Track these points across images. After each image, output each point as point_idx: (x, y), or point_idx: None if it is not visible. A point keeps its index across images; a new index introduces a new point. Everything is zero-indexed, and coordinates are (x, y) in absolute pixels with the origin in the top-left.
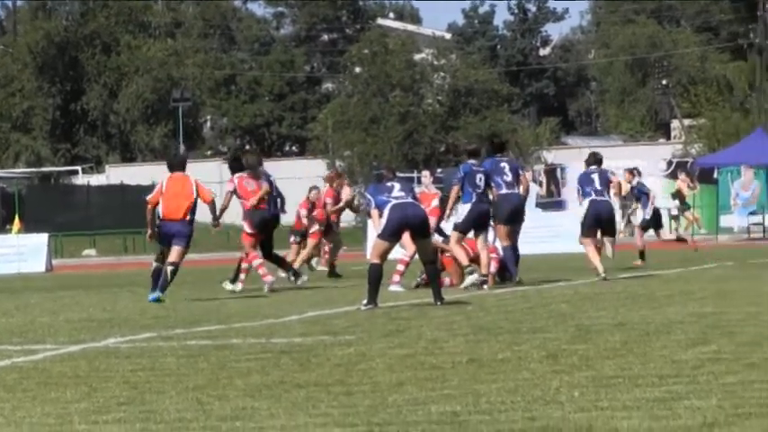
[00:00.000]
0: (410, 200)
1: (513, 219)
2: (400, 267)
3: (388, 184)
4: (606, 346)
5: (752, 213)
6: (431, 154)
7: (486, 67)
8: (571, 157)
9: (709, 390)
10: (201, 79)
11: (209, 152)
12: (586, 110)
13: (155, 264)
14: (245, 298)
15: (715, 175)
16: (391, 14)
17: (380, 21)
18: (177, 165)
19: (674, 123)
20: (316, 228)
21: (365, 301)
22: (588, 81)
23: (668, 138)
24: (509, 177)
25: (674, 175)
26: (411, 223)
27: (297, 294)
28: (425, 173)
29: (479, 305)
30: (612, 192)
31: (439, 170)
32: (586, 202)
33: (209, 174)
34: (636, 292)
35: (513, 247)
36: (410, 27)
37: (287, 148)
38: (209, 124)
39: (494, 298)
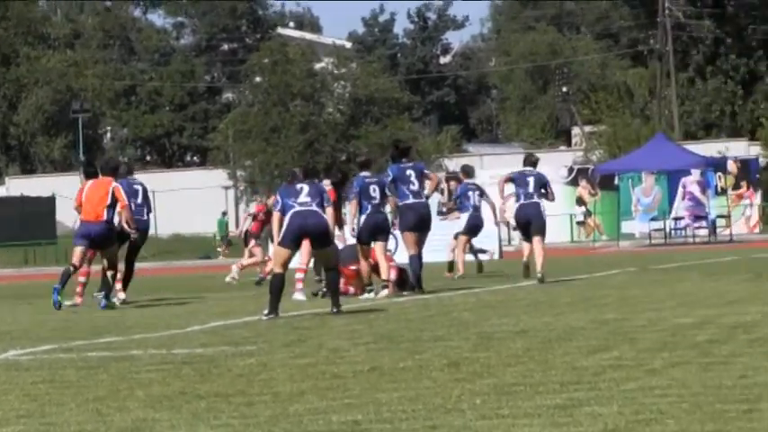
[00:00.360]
0: (314, 207)
1: (419, 227)
2: (299, 275)
3: (297, 186)
4: (508, 353)
5: (653, 219)
6: (332, 163)
7: (387, 76)
8: (473, 165)
9: (610, 396)
10: (101, 90)
11: None
12: (487, 117)
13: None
14: (146, 308)
15: (616, 182)
16: (291, 24)
17: (281, 30)
18: (107, 170)
19: (575, 130)
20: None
21: (266, 311)
22: (489, 89)
23: (569, 144)
24: (415, 186)
25: (575, 182)
26: (310, 232)
27: (199, 305)
28: (326, 182)
29: (381, 314)
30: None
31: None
32: (516, 206)
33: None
34: (538, 299)
35: (419, 256)
36: (310, 36)
37: (188, 159)
38: (109, 135)
39: (395, 306)
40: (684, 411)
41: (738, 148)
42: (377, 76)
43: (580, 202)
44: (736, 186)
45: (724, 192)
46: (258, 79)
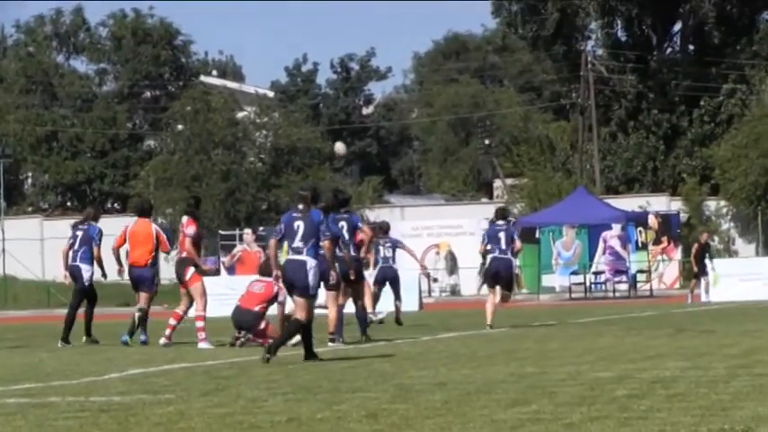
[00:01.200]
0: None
1: (346, 279)
2: (199, 324)
3: (295, 225)
4: (427, 405)
5: (573, 273)
6: (253, 212)
7: (309, 125)
8: (394, 216)
9: None
10: (23, 135)
11: (29, 209)
12: (409, 169)
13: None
14: (65, 354)
15: (537, 235)
16: (214, 72)
17: (203, 78)
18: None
19: (497, 183)
20: None
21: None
22: (411, 140)
23: (491, 197)
24: (345, 239)
25: None
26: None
27: (118, 352)
28: (247, 231)
29: (300, 364)
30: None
31: (261, 228)
32: (489, 258)
33: (30, 230)
34: (458, 351)
35: (342, 306)
36: (233, 85)
37: (109, 205)
38: (30, 181)
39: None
40: None
41: (659, 203)
42: (299, 126)
43: None
44: (657, 241)
45: (645, 246)
46: (180, 127)
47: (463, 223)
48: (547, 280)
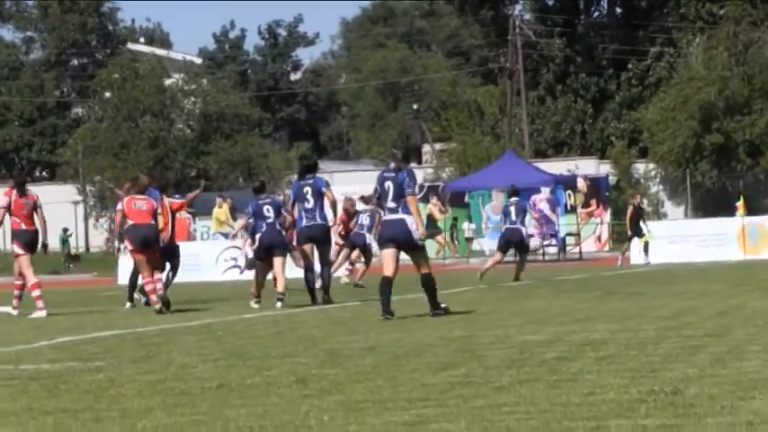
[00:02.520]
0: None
1: (312, 242)
2: (36, 293)
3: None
4: (356, 370)
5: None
6: (182, 179)
7: (237, 92)
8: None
9: (458, 413)
10: None
11: None
12: (338, 134)
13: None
14: None
15: (466, 199)
16: (141, 39)
17: (131, 45)
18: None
19: (426, 147)
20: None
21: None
22: (339, 105)
23: (420, 162)
24: (310, 203)
25: (425, 200)
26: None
27: (48, 320)
28: (177, 197)
29: (230, 330)
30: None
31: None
32: (504, 228)
33: None
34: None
35: (310, 268)
36: (160, 52)
37: (37, 174)
38: None
39: (243, 323)
40: (532, 428)
41: (588, 167)
42: (227, 92)
43: (431, 219)
44: (586, 204)
45: (574, 209)
46: (108, 95)
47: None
48: (477, 244)
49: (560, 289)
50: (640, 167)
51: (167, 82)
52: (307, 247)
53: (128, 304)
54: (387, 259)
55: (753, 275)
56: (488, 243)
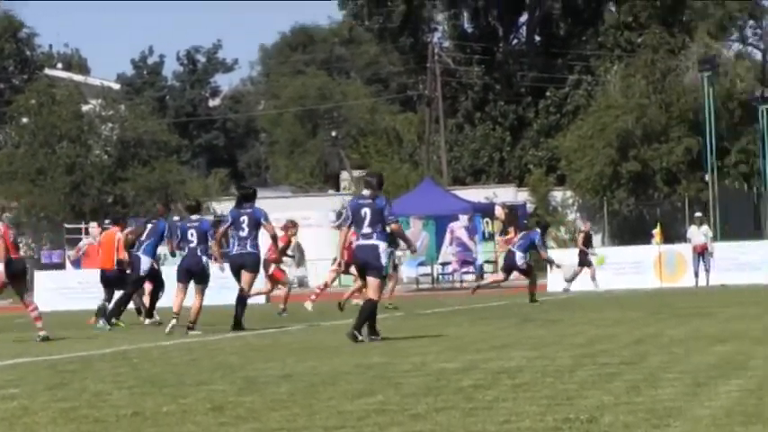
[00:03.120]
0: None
1: (235, 273)
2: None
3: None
4: (273, 397)
5: (420, 264)
6: (98, 205)
7: (155, 118)
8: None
9: None
10: None
11: None
12: (256, 161)
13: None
14: None
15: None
16: (59, 64)
17: (48, 71)
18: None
19: (344, 174)
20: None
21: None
22: (258, 132)
23: (338, 189)
24: (245, 232)
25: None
26: None
27: None
28: (93, 224)
29: (145, 357)
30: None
31: (107, 221)
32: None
33: None
34: (305, 343)
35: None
36: (78, 77)
37: None
38: None
39: (159, 350)
40: None
41: (506, 194)
42: (145, 119)
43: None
44: (504, 232)
45: (492, 237)
46: (25, 120)
47: (311, 215)
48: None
49: (478, 316)
50: (558, 195)
51: (85, 108)
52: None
53: (147, 321)
54: (368, 285)
55: (669, 303)
56: (406, 270)
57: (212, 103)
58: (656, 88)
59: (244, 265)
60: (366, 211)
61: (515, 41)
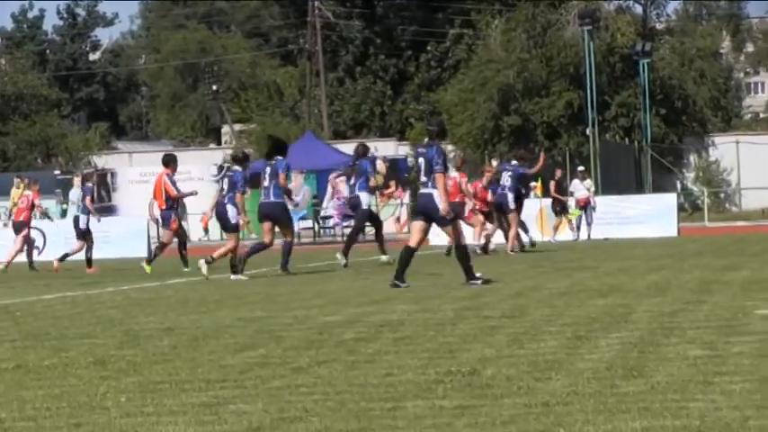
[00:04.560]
0: None
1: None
2: None
3: None
4: (155, 351)
5: (302, 218)
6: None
7: (36, 72)
8: (122, 162)
9: (256, 394)
10: None
11: None
12: (137, 115)
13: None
14: None
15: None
16: None
17: None
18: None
19: (225, 128)
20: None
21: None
22: (139, 86)
23: (219, 143)
24: (266, 182)
25: None
26: None
27: None
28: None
29: (28, 311)
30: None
31: None
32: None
33: None
34: (186, 296)
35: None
36: None
37: None
38: None
39: (41, 304)
40: (329, 409)
41: (387, 148)
42: (25, 72)
43: None
44: (385, 186)
45: (373, 191)
46: None
47: (191, 169)
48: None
49: (360, 270)
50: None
51: None
52: (265, 225)
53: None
54: (414, 230)
55: (549, 257)
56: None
57: (93, 56)
58: (537, 42)
59: (270, 214)
60: (422, 160)
61: None
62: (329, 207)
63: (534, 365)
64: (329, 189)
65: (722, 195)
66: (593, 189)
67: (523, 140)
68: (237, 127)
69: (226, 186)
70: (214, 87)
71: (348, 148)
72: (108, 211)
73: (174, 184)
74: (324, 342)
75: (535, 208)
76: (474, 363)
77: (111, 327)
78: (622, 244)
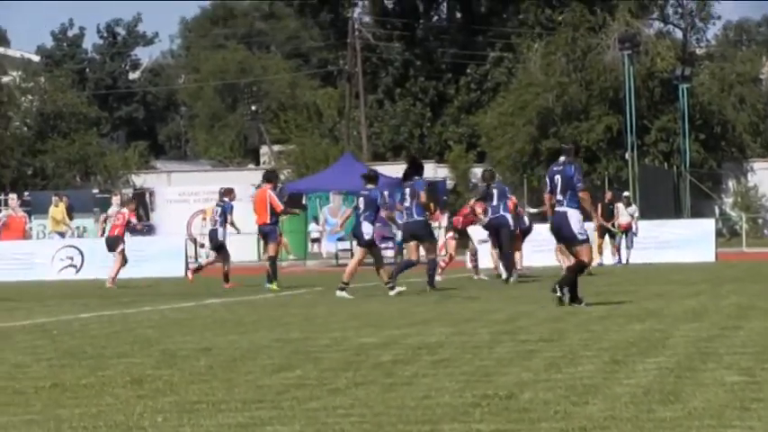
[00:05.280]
0: None
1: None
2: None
3: None
4: (191, 371)
5: (340, 239)
6: (18, 177)
7: (75, 91)
8: (160, 182)
9: (293, 416)
10: None
11: None
12: (176, 134)
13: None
14: None
15: (304, 201)
16: None
17: None
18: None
19: (264, 149)
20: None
21: None
22: (178, 106)
23: (257, 163)
24: (407, 202)
25: None
26: None
27: None
28: (12, 196)
29: (64, 329)
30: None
31: (26, 193)
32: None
33: None
34: (223, 317)
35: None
36: None
37: None
38: None
39: (78, 322)
40: (366, 431)
41: (426, 171)
42: (65, 91)
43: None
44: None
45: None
46: None
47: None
48: (314, 246)
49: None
50: (478, 172)
51: (5, 79)
52: (411, 244)
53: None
54: (561, 252)
55: (589, 281)
56: (326, 245)
57: (132, 76)
58: (577, 66)
59: (415, 233)
60: (558, 178)
61: (436, 18)
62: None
63: (572, 390)
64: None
65: (760, 221)
66: (636, 215)
67: None
68: (276, 148)
69: (362, 205)
70: (253, 108)
71: (387, 169)
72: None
73: (280, 199)
74: (361, 364)
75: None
76: (511, 386)
77: (148, 346)
78: (660, 268)
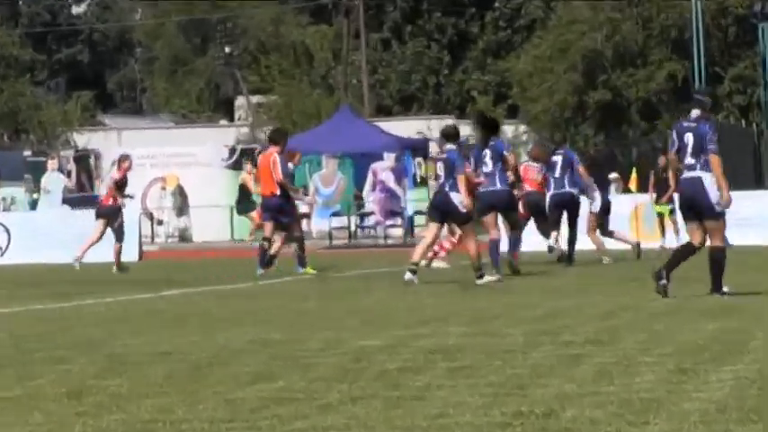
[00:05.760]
0: None
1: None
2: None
3: None
4: (144, 381)
5: (335, 215)
6: None
7: (5, 29)
8: (109, 142)
9: None
10: None
11: None
12: (129, 82)
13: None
14: None
15: (290, 165)
16: None
17: None
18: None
19: (239, 101)
20: None
21: None
22: (132, 46)
23: (231, 119)
24: (488, 167)
25: (238, 166)
26: None
27: None
28: None
29: None
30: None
31: None
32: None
33: None
34: (185, 312)
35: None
36: None
37: None
38: None
39: (1, 319)
40: None
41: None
42: None
43: (243, 190)
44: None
45: (425, 182)
46: None
47: (197, 151)
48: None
49: (406, 281)
50: (508, 130)
51: None
52: (489, 217)
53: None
54: (688, 228)
55: (649, 267)
56: (317, 222)
57: (76, 9)
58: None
59: (497, 204)
60: (689, 137)
61: None
62: (369, 201)
63: (627, 406)
64: (369, 178)
65: None
66: None
67: (614, 121)
68: (255, 99)
69: (442, 172)
70: (227, 50)
71: (394, 127)
72: (89, 202)
73: (284, 167)
74: (360, 373)
75: (628, 206)
76: (550, 401)
77: (90, 349)
78: (738, 252)
